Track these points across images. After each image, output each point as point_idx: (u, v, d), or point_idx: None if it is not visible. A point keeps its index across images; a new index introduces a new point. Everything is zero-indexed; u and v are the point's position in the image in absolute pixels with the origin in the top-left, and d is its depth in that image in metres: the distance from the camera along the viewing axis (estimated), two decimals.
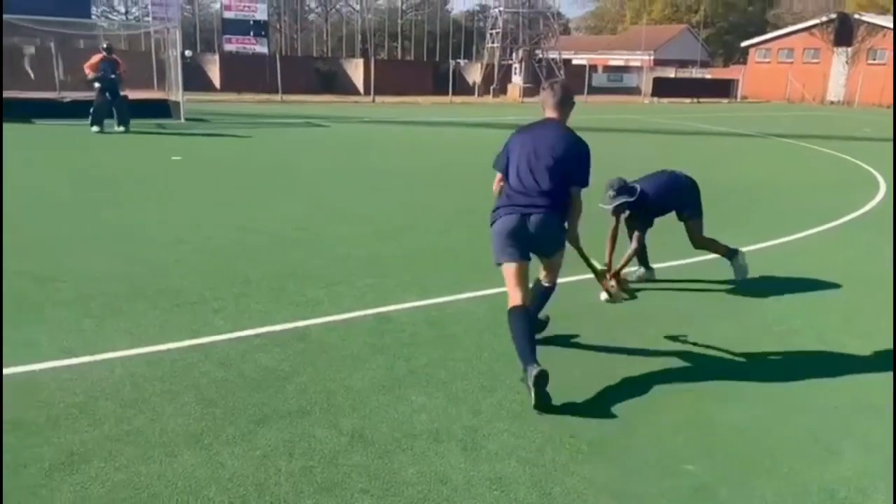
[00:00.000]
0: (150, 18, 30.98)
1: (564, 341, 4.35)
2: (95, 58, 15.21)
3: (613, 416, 3.46)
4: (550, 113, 3.97)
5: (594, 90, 38.86)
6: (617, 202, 5.21)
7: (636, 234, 5.37)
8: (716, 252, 5.72)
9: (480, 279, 5.54)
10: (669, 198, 5.42)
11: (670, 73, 44.45)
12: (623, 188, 5.23)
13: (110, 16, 47.40)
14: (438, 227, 7.47)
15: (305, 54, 46.81)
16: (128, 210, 7.72)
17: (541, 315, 4.25)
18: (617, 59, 56.33)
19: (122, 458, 2.92)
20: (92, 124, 14.87)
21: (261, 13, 36.29)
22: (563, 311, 4.57)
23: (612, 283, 4.69)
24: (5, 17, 17.47)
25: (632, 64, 51.95)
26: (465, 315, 4.77)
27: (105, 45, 15.90)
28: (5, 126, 15.63)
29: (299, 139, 16.03)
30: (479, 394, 3.64)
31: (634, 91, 42.73)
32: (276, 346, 4.15)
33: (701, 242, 5.63)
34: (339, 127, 18.91)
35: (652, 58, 50.79)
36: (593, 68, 42.70)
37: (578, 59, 49.91)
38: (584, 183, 3.83)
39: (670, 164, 6.06)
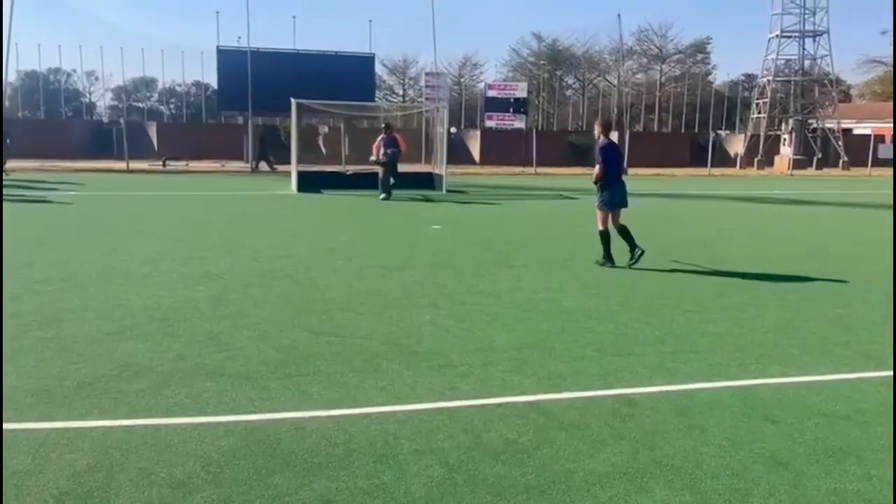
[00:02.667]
0: (423, 99, 34.24)
1: None
2: (378, 139, 17.33)
3: None
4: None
5: (880, 162, 34.77)
6: None
7: None
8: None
9: (736, 366, 5.14)
10: None
11: None
12: None
13: (389, 98, 53.23)
14: (691, 303, 7.06)
15: (560, 128, 48.14)
16: (393, 273, 8.40)
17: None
18: None
19: None
20: (381, 192, 16.81)
21: (521, 91, 38.28)
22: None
23: None
24: (308, 102, 20.47)
25: None
26: (717, 406, 4.41)
27: (384, 125, 18.14)
28: (304, 196, 18.05)
29: (551, 211, 16.35)
30: (732, 496, 3.31)
31: None
32: (517, 417, 4.18)
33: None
34: (589, 199, 18.97)
35: None
36: (879, 138, 38.32)
37: (861, 129, 45.16)
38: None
39: None
